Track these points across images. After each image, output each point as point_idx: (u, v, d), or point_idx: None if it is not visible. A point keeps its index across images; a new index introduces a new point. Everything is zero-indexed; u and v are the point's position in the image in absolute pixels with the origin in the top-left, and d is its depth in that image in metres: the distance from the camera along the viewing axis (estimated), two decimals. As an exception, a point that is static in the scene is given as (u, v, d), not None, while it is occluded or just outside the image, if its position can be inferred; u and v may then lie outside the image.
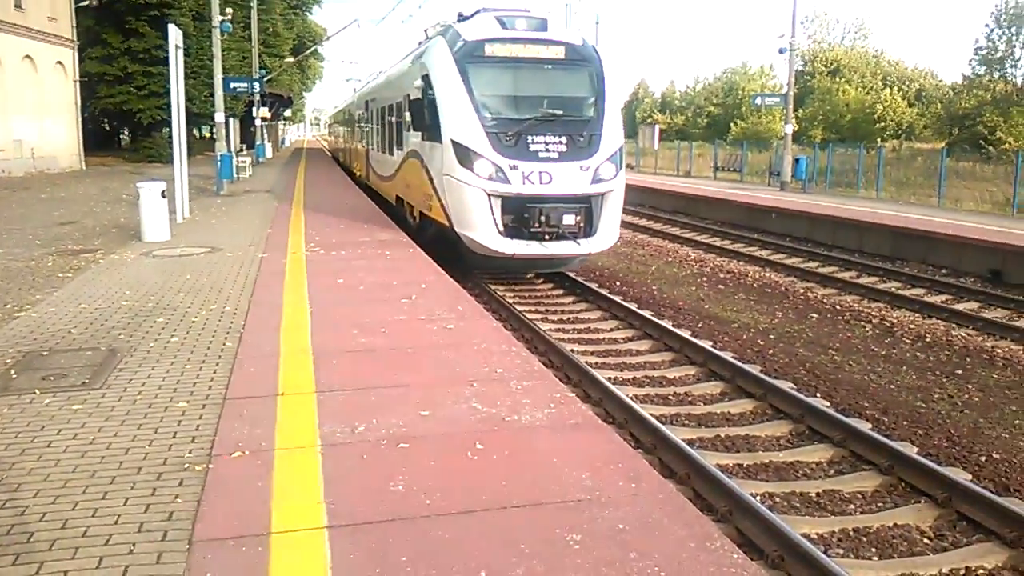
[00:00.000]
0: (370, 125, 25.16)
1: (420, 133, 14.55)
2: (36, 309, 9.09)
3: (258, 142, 48.62)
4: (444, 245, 13.84)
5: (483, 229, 12.51)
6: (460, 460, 4.96)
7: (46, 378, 6.55)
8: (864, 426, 8.06)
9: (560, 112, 13.13)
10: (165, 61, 19.39)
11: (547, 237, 12.55)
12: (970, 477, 7.12)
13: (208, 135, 59.09)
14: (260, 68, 46.84)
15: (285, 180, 32.17)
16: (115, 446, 5.16)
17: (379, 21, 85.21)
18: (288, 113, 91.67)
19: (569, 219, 12.55)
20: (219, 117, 27.52)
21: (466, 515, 4.25)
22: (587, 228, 12.91)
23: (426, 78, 13.85)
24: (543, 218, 12.44)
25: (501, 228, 12.55)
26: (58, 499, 4.42)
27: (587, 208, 12.88)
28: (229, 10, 29.90)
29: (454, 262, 13.18)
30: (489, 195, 12.45)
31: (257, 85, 36.20)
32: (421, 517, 4.20)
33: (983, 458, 7.65)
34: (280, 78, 63.24)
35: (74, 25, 41.81)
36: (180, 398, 6.05)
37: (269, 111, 50.20)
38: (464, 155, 12.57)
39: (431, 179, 13.86)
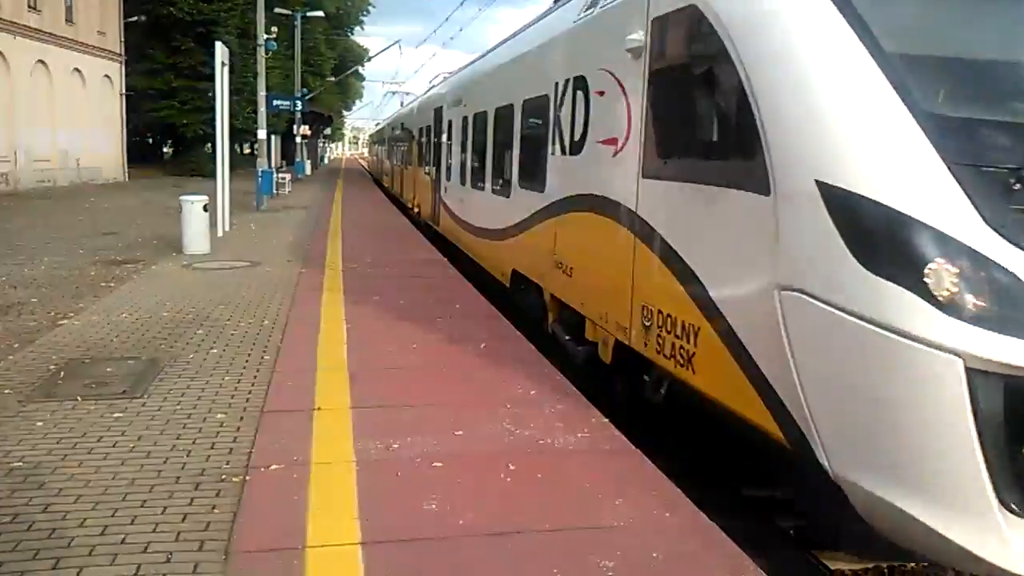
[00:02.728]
0: (442, 144, 17.48)
1: (639, 160, 6.38)
2: (79, 317, 9.26)
3: (298, 159, 49.26)
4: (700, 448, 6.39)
5: (954, 494, 3.94)
6: (493, 481, 4.96)
7: (88, 385, 6.67)
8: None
9: None
10: (209, 77, 19.79)
11: None
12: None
13: (249, 151, 59.99)
14: (302, 87, 47.54)
15: (324, 197, 32.56)
16: (154, 455, 5.24)
17: (419, 44, 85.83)
18: (328, 131, 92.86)
19: None
20: (261, 134, 27.93)
21: (499, 537, 4.25)
22: None
23: (696, 20, 5.54)
24: None
25: (1012, 494, 3.87)
26: (98, 505, 4.49)
27: None
28: (274, 29, 30.48)
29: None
30: (970, 373, 3.85)
31: (299, 103, 36.77)
32: (455, 537, 4.21)
33: None
34: (321, 97, 64.11)
35: (122, 40, 42.82)
36: (219, 409, 6.13)
37: (309, 129, 50.83)
38: (878, 235, 4.20)
39: (696, 286, 5.50)
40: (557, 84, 8.57)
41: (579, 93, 7.84)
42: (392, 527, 4.30)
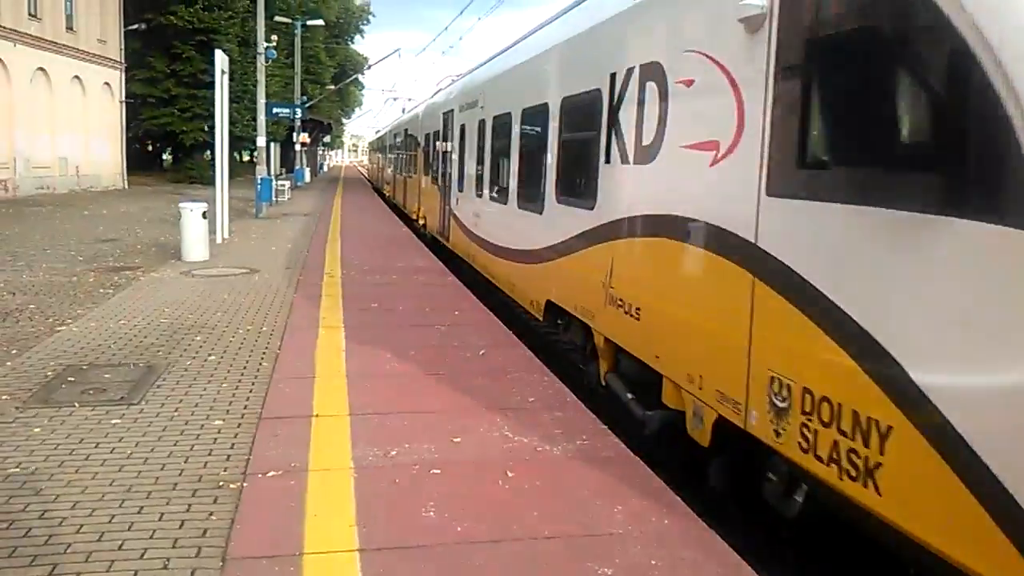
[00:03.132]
0: (453, 151, 15.89)
1: (759, 172, 4.60)
2: (77, 324, 9.24)
3: (297, 166, 49.33)
4: None
5: None
6: (491, 488, 4.94)
7: (86, 392, 6.65)
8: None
9: None
10: (209, 85, 19.84)
11: None
12: None
13: (248, 158, 60.04)
14: (301, 95, 47.65)
15: (323, 205, 32.59)
16: (151, 461, 5.22)
17: (419, 51, 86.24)
18: (327, 139, 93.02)
19: None
20: (261, 141, 27.97)
21: (497, 544, 4.23)
22: None
23: None
24: None
25: None
26: (95, 512, 4.47)
27: None
28: (274, 37, 30.57)
29: None
30: None
31: (299, 111, 36.88)
32: (452, 544, 4.19)
33: None
34: (321, 105, 64.20)
35: (122, 48, 42.92)
36: (216, 416, 6.11)
37: (309, 136, 50.94)
38: None
39: (883, 364, 3.61)
40: (614, 75, 6.84)
41: (650, 85, 6.15)
42: (390, 534, 4.28)
